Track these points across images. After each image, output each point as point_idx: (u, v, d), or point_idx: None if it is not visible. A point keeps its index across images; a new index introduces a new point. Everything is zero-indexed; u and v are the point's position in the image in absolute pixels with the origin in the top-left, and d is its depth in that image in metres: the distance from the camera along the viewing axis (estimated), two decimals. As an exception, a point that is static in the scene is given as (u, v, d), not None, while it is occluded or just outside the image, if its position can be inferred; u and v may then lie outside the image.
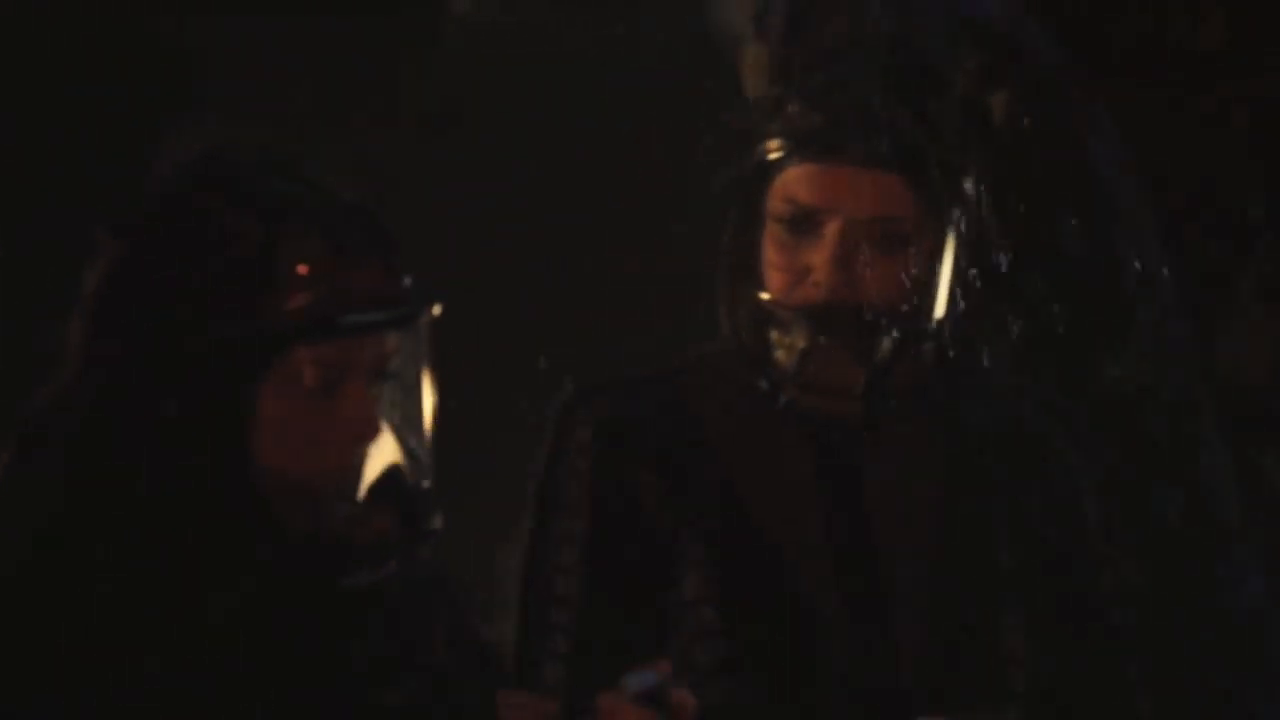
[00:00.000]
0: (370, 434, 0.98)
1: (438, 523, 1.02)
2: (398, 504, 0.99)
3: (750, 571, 1.27)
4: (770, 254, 1.27)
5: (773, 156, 1.26)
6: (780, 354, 1.23)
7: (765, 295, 1.27)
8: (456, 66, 3.37)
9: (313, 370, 0.95)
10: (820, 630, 1.24)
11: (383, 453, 0.98)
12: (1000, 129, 1.36)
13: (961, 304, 1.24)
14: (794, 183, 1.24)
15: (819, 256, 1.24)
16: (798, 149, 1.24)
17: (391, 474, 0.99)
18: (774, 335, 1.25)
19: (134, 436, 0.95)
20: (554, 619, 1.30)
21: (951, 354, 1.25)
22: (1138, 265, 1.82)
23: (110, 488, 0.95)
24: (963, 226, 1.24)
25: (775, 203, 1.26)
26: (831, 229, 1.23)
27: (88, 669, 0.90)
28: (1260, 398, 2.51)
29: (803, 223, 1.24)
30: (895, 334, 1.22)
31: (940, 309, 1.23)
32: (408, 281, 1.01)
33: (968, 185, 1.24)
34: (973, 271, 1.24)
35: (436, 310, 1.01)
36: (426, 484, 1.02)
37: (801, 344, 1.23)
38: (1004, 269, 1.27)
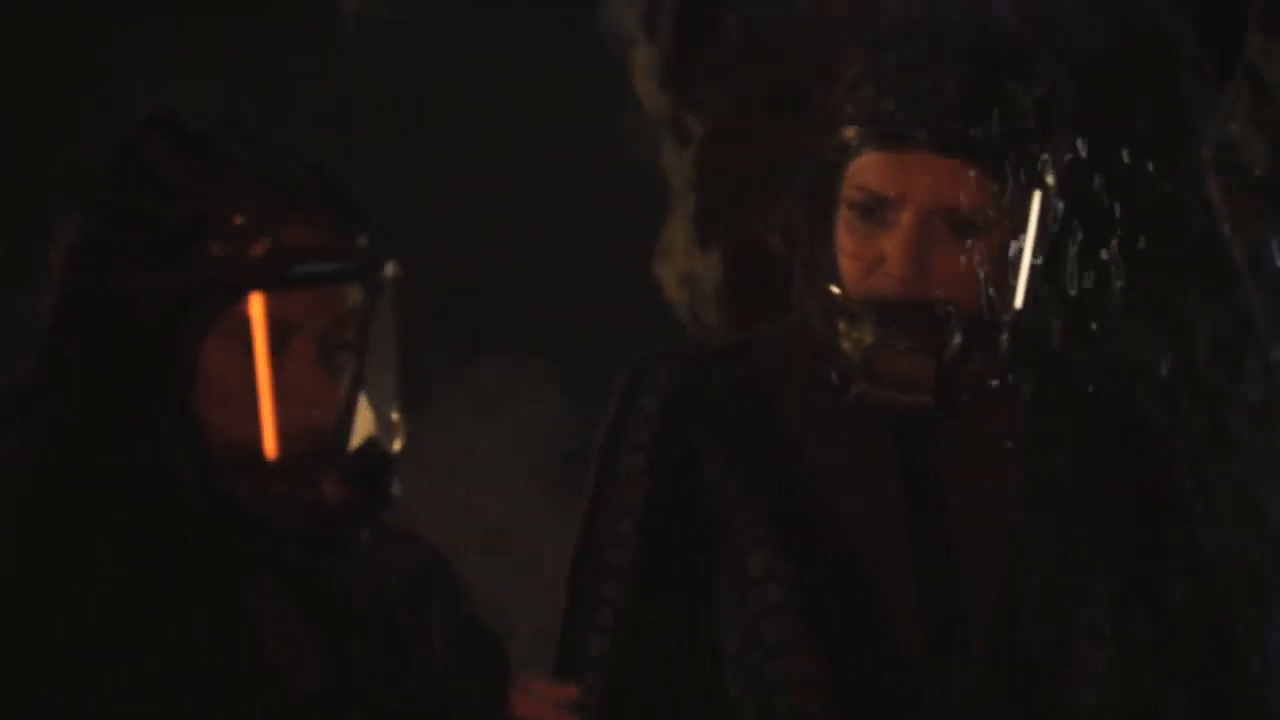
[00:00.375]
0: (318, 399, 0.95)
1: (395, 489, 0.97)
2: (352, 470, 0.95)
3: (821, 552, 1.24)
4: (844, 241, 1.22)
5: (847, 142, 1.21)
6: (848, 346, 1.20)
7: (835, 289, 1.22)
8: (349, 64, 3.40)
9: (259, 327, 0.91)
10: (891, 613, 1.22)
11: (339, 418, 0.95)
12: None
13: (1039, 296, 1.21)
14: (867, 169, 1.20)
15: (891, 245, 1.19)
16: (870, 135, 1.20)
17: (342, 439, 0.95)
18: (842, 327, 1.21)
19: (81, 396, 0.93)
20: (604, 592, 1.26)
21: (1029, 346, 1.23)
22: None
23: (64, 457, 0.94)
24: (1042, 218, 1.20)
25: (849, 190, 1.21)
26: (905, 218, 1.18)
27: (53, 648, 0.90)
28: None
29: (875, 210, 1.19)
30: (967, 327, 1.18)
31: (1018, 302, 1.19)
32: (363, 239, 0.97)
33: (1048, 176, 1.20)
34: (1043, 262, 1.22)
35: (390, 270, 0.96)
36: (385, 450, 0.98)
37: (869, 340, 1.19)
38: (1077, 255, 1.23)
